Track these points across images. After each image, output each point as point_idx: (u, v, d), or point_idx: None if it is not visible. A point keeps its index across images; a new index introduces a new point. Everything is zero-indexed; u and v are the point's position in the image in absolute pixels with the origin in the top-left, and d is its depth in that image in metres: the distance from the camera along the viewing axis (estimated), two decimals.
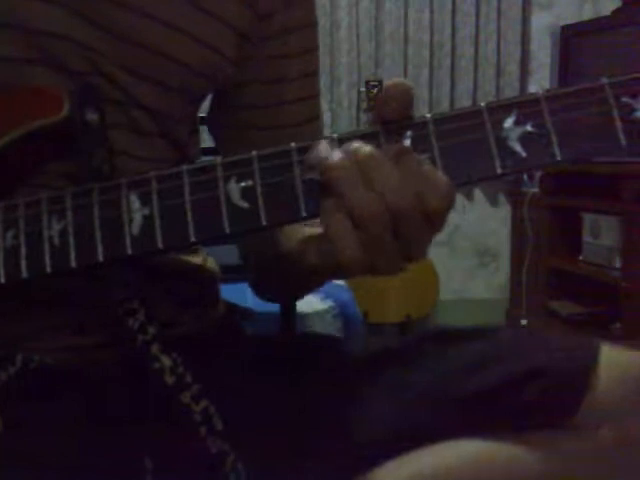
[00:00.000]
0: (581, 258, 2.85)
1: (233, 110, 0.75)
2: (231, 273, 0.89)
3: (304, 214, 0.48)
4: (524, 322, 3.10)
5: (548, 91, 0.48)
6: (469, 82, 3.30)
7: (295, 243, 0.62)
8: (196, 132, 0.76)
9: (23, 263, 0.51)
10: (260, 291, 0.79)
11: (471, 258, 3.43)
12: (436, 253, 3.13)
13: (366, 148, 0.47)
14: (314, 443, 0.61)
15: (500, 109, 0.48)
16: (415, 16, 3.24)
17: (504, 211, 3.37)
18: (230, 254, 0.96)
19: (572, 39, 2.98)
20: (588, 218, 2.80)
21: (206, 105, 0.78)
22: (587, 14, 3.27)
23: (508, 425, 0.60)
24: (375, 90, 3.04)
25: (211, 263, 0.79)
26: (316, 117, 0.77)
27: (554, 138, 0.46)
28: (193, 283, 0.74)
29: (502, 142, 0.47)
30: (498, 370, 0.61)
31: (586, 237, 2.82)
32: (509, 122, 0.47)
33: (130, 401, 0.62)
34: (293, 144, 0.49)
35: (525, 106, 0.47)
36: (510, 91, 3.33)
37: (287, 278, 0.70)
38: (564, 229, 2.96)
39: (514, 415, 0.60)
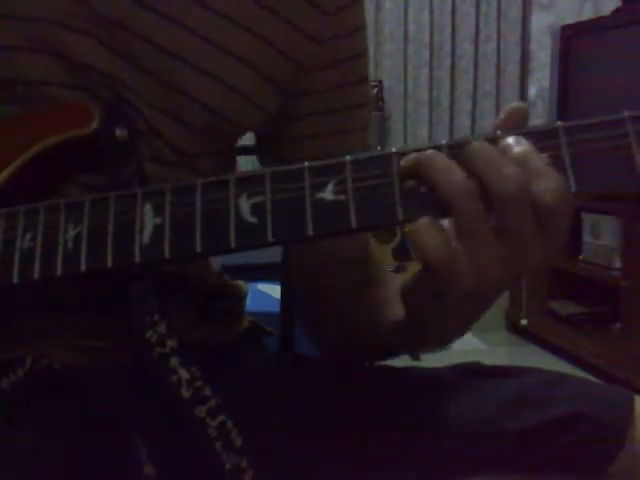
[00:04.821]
0: (581, 258, 2.85)
1: (276, 148, 0.73)
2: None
3: (311, 233, 0.48)
4: (524, 322, 3.09)
5: (566, 122, 0.46)
6: (469, 82, 3.30)
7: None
8: (229, 165, 0.74)
9: (36, 264, 0.52)
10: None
11: None
12: None
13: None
14: (339, 464, 0.60)
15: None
16: (415, 16, 3.25)
17: None
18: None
19: (572, 39, 2.98)
20: (588, 218, 2.80)
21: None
22: (587, 14, 3.27)
23: (540, 469, 0.59)
24: (375, 90, 3.04)
25: (237, 281, 0.79)
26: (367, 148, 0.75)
27: (570, 170, 0.45)
28: (216, 296, 0.75)
29: None
30: (534, 412, 0.60)
31: (586, 237, 2.82)
32: None
33: (138, 411, 0.61)
34: (306, 163, 0.49)
35: (541, 136, 0.46)
36: (510, 91, 3.33)
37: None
38: None
39: (547, 459, 0.59)
